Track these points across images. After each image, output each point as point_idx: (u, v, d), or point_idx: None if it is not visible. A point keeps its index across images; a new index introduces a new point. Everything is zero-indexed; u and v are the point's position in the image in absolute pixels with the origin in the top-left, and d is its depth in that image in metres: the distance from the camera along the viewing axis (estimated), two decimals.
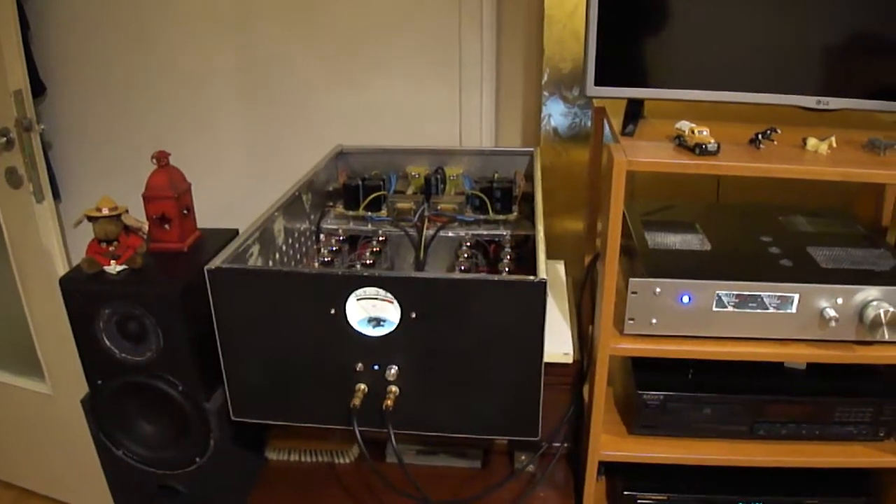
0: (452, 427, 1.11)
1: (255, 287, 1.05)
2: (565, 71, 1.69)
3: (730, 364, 1.17)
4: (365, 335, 1.05)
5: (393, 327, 1.04)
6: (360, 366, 1.08)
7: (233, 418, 1.16)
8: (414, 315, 1.03)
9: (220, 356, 1.11)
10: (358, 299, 1.03)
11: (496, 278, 1.01)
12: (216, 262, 1.05)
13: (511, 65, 1.79)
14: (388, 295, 1.02)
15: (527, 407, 1.07)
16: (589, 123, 1.73)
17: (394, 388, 1.08)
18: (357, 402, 1.07)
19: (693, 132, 1.08)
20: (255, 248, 1.17)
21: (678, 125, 1.12)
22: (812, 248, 1.26)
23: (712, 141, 1.07)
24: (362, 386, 1.08)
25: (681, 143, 1.11)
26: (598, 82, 1.16)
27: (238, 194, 2.00)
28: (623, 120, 1.20)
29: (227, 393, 1.14)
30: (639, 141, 1.16)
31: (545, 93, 1.72)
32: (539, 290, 0.99)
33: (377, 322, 1.04)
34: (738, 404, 1.22)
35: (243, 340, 1.09)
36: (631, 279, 1.14)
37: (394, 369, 1.07)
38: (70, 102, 1.98)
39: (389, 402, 1.07)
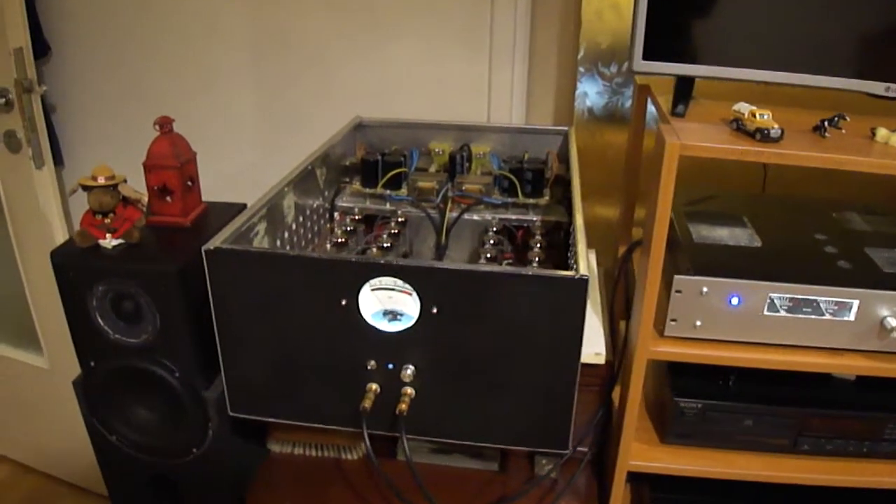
0: (472, 435, 1.02)
1: (258, 271, 0.97)
2: (603, 46, 1.60)
3: (773, 372, 1.09)
4: (379, 330, 0.97)
5: (411, 322, 0.95)
6: (372, 363, 0.99)
7: (230, 414, 1.09)
8: (435, 310, 0.94)
9: (218, 346, 1.03)
10: (372, 289, 0.94)
11: (531, 272, 0.92)
12: (215, 241, 0.97)
13: (545, 37, 1.70)
14: (407, 286, 0.93)
15: (557, 417, 0.98)
16: (627, 104, 1.64)
17: (409, 390, 0.99)
18: (368, 403, 0.98)
19: (754, 116, 0.98)
20: (262, 227, 1.09)
21: (736, 107, 1.02)
22: (871, 250, 1.17)
23: (775, 126, 0.96)
24: (374, 386, 1.00)
25: (739, 127, 1.01)
26: (646, 56, 1.06)
27: (248, 166, 1.93)
28: (673, 99, 1.10)
29: (225, 386, 1.07)
30: (690, 123, 1.06)
31: (581, 69, 1.63)
32: (580, 288, 0.89)
33: (393, 316, 0.95)
34: (781, 416, 1.13)
35: (244, 330, 1.01)
36: (675, 276, 1.04)
37: (410, 369, 0.98)
38: (76, 64, 1.92)
39: (404, 406, 0.98)
